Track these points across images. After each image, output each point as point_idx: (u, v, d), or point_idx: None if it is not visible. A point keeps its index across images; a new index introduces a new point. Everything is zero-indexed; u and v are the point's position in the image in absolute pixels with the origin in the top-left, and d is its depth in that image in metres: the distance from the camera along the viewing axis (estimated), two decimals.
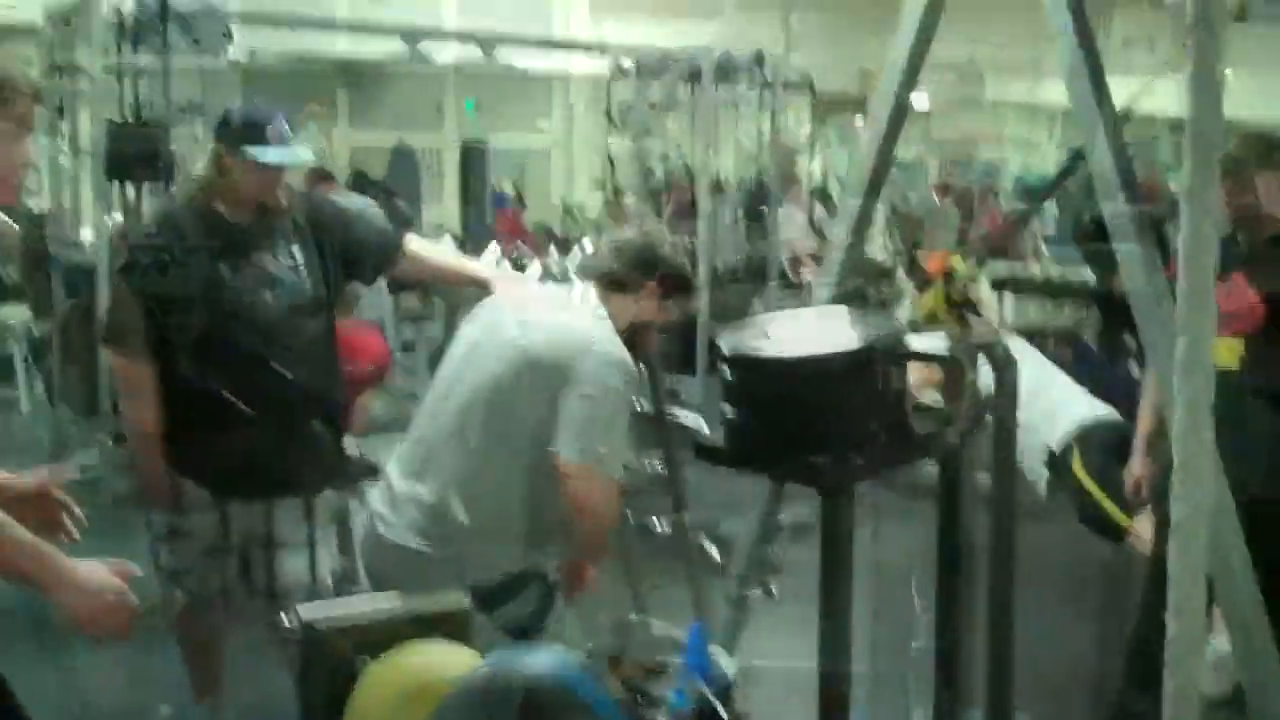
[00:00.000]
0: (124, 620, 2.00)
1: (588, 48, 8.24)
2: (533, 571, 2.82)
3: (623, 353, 2.81)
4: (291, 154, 3.40)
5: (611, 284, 2.94)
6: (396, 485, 2.88)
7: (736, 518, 4.16)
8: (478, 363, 2.87)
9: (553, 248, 9.33)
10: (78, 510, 2.20)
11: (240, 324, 3.35)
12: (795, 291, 10.16)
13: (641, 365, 3.20)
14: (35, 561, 1.97)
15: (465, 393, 2.85)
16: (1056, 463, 4.76)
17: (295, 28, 7.59)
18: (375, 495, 2.95)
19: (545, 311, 2.91)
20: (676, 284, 2.99)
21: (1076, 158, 4.35)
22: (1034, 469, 4.86)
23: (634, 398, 2.89)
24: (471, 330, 3.02)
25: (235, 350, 3.36)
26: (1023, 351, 5.17)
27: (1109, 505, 4.38)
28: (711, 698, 1.98)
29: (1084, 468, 4.55)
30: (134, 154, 6.38)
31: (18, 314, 8.22)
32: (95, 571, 2.00)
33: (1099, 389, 5.13)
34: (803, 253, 11.16)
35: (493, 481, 2.77)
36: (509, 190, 13.94)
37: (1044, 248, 12.46)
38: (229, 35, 7.15)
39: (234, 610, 3.52)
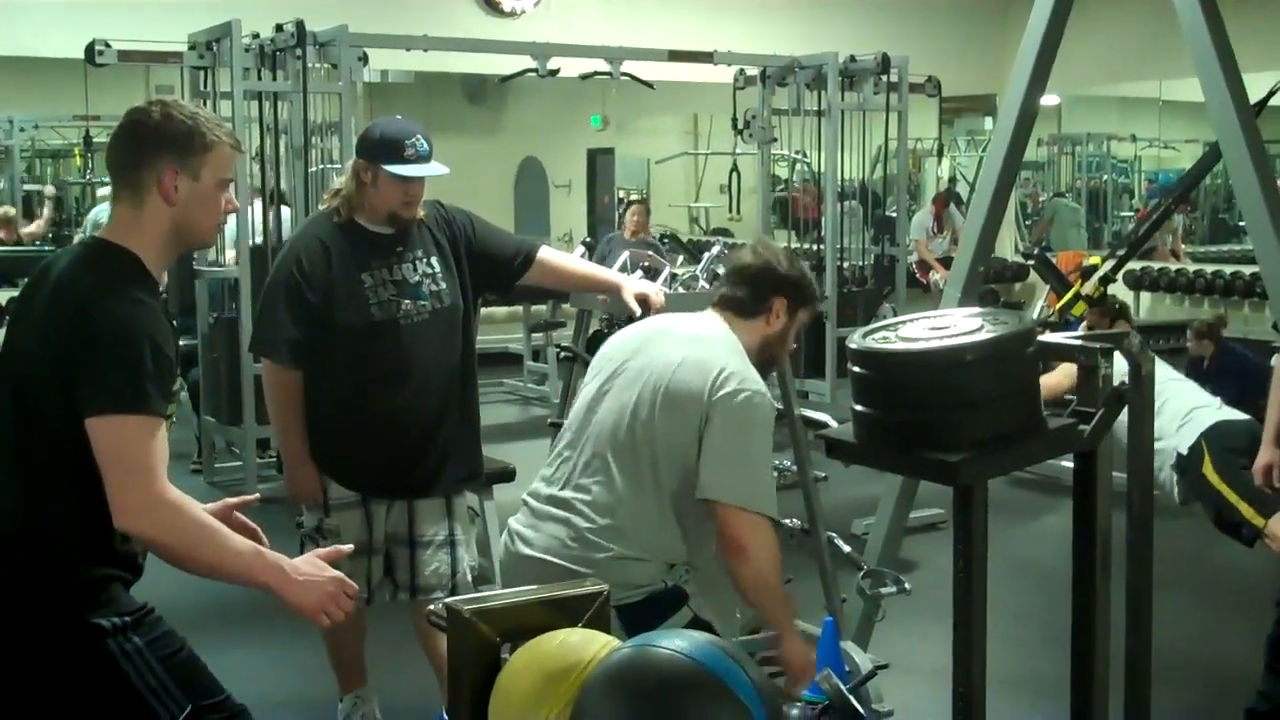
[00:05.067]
0: (347, 604, 2.21)
1: (713, 58, 8.26)
2: (673, 589, 2.80)
3: (760, 383, 2.80)
4: (428, 169, 3.49)
5: (737, 309, 2.93)
6: (539, 505, 2.89)
7: (869, 514, 4.16)
8: (622, 390, 2.85)
9: (680, 257, 9.39)
10: (260, 532, 2.34)
11: (381, 331, 3.46)
12: (924, 294, 10.09)
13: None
14: (262, 567, 2.18)
15: (610, 418, 2.84)
16: (1186, 466, 4.64)
17: (428, 49, 7.73)
18: (516, 515, 2.95)
19: (688, 338, 2.88)
20: (800, 297, 2.98)
21: (1214, 153, 4.25)
22: (1165, 474, 4.75)
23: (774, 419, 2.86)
24: (617, 353, 2.97)
25: (377, 356, 3.47)
26: None
27: (1244, 506, 4.27)
28: (845, 692, 1.99)
29: (1215, 470, 4.43)
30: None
31: None
32: (313, 564, 2.21)
33: (1244, 382, 4.99)
34: (930, 256, 11.08)
35: (634, 506, 2.75)
36: (636, 198, 14.03)
37: (1182, 245, 12.19)
38: (365, 59, 7.37)
39: (377, 606, 3.62)
